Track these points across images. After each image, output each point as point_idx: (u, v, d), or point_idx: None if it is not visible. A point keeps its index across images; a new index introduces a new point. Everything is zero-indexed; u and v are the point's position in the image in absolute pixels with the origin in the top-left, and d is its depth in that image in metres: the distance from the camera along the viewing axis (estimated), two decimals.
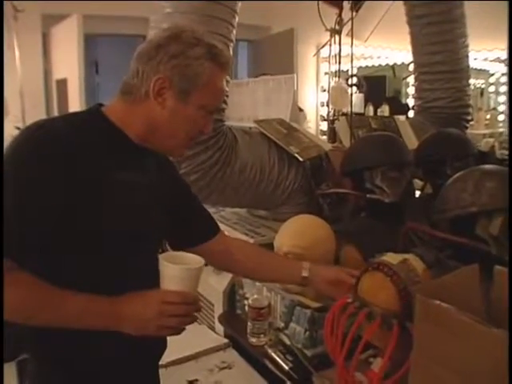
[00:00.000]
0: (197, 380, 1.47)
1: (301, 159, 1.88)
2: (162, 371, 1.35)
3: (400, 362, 1.03)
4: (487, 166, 1.42)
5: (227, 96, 1.78)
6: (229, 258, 1.20)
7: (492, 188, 1.32)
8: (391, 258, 1.12)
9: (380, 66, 5.38)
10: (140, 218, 0.97)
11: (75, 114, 1.02)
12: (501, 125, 5.13)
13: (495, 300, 1.05)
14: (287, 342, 1.40)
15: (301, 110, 2.96)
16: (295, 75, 2.59)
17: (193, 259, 0.93)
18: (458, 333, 0.82)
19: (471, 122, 4.42)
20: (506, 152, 3.13)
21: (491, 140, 4.36)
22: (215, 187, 1.72)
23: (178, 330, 0.92)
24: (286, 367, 1.32)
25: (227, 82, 1.74)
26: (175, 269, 0.88)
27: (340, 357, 1.11)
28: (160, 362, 1.47)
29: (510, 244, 1.25)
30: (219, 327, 1.70)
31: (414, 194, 1.95)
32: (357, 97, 5.01)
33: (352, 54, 3.03)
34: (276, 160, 1.87)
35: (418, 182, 2.27)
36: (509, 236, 1.26)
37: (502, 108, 5.24)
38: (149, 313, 0.88)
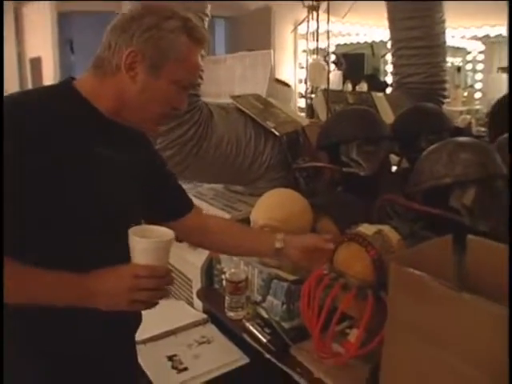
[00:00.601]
0: (176, 355, 1.47)
1: (277, 134, 1.86)
2: (140, 347, 1.35)
3: (376, 331, 1.04)
4: (461, 138, 1.43)
5: (202, 71, 1.74)
6: (204, 234, 1.19)
7: (466, 159, 1.32)
8: (366, 229, 1.12)
9: (358, 43, 5.35)
10: (113, 195, 0.94)
11: (47, 87, 0.98)
12: (477, 102, 5.17)
13: (467, 269, 1.06)
14: (265, 315, 1.40)
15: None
16: (272, 51, 2.56)
17: (163, 232, 0.91)
18: (430, 299, 0.83)
19: (448, 99, 4.43)
20: (483, 129, 3.15)
21: (468, 117, 4.39)
22: (191, 162, 1.70)
23: (150, 305, 0.89)
24: (264, 340, 1.32)
25: (202, 57, 1.70)
26: (144, 242, 0.85)
27: (316, 328, 1.11)
28: (138, 339, 1.47)
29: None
30: (198, 303, 1.70)
31: (390, 168, 1.95)
32: (335, 74, 4.98)
33: (328, 31, 3.01)
34: (252, 135, 1.85)
35: (394, 158, 2.27)
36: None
37: (479, 86, 5.27)
38: (119, 287, 0.86)
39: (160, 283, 0.87)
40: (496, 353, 0.73)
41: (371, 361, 1.07)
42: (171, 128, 1.62)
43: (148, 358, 1.42)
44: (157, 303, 0.90)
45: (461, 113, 4.74)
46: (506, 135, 1.67)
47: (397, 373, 0.94)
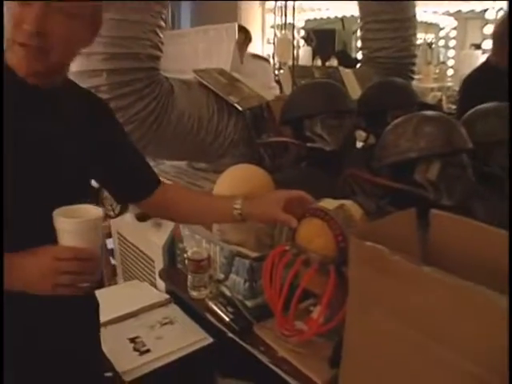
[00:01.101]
0: (138, 337, 1.45)
1: (240, 109, 1.83)
2: (101, 330, 1.31)
3: (340, 308, 1.04)
4: (427, 112, 1.42)
5: (162, 43, 1.69)
6: (165, 205, 1.17)
7: (430, 133, 1.32)
8: (328, 203, 1.11)
9: (329, 18, 5.31)
10: (49, 171, 0.89)
11: None
12: (449, 79, 5.19)
13: (431, 244, 1.06)
14: (228, 293, 1.38)
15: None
16: (236, 24, 2.50)
17: (90, 211, 0.86)
18: (391, 274, 0.82)
19: (419, 76, 4.45)
20: (454, 106, 3.18)
21: (439, 94, 4.42)
22: (151, 138, 1.65)
23: (76, 289, 0.83)
24: (227, 319, 1.30)
25: (161, 27, 1.65)
26: (66, 222, 0.81)
27: (278, 305, 1.10)
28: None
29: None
30: (160, 283, 1.67)
31: (355, 143, 1.95)
32: (305, 50, 4.95)
33: (294, 6, 2.96)
34: (215, 110, 1.81)
35: (361, 134, 2.27)
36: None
37: (451, 62, 5.29)
38: (41, 270, 0.81)
39: (84, 266, 0.82)
40: (461, 327, 0.73)
41: (335, 338, 1.07)
42: (130, 103, 1.57)
43: (109, 341, 1.39)
44: (87, 288, 0.85)
45: (432, 90, 4.77)
46: (474, 109, 1.68)
47: (359, 349, 0.93)
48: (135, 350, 1.40)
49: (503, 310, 0.66)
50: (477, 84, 2.15)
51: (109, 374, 1.31)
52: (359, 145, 2.16)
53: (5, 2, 0.82)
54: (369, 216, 1.18)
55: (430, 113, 1.41)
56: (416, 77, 3.67)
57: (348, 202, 1.13)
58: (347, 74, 2.69)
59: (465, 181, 1.36)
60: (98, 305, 1.11)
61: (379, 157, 1.40)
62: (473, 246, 0.98)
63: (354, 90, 2.50)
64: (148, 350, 1.39)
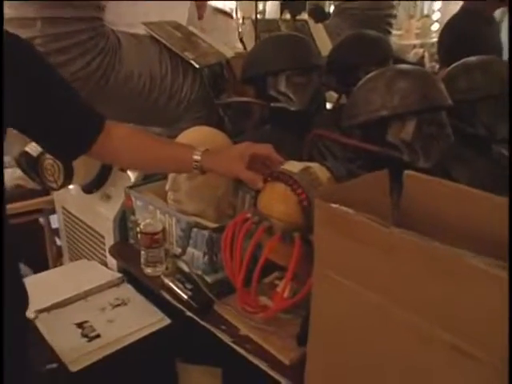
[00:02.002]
0: (86, 321, 1.43)
1: (197, 66, 1.80)
2: (43, 316, 1.30)
3: (307, 279, 1.04)
4: (401, 65, 1.43)
5: None
6: (115, 152, 1.16)
7: (405, 88, 1.32)
8: (292, 166, 1.11)
9: None
10: None
11: None
12: (434, 35, 5.10)
13: (404, 208, 1.07)
14: (186, 269, 1.38)
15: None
16: None
17: None
18: (358, 236, 0.82)
19: (400, 31, 4.44)
20: (437, 65, 3.19)
21: (421, 50, 4.40)
22: (98, 98, 1.60)
23: None
24: (185, 296, 1.30)
25: None
26: None
27: (239, 279, 1.10)
28: (42, 306, 1.43)
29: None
30: (111, 261, 1.66)
31: (325, 103, 1.95)
32: (272, 4, 4.88)
33: None
34: (169, 67, 1.78)
35: (333, 95, 2.27)
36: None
37: (437, 16, 5.19)
38: None
39: None
40: (433, 294, 0.74)
41: (304, 313, 1.08)
42: (72, 58, 1.52)
43: (52, 328, 1.38)
44: None
45: (414, 46, 4.74)
46: (456, 64, 1.70)
47: (326, 322, 0.95)
48: (83, 335, 1.38)
49: (477, 270, 0.67)
50: (456, 33, 2.17)
51: (52, 366, 1.29)
52: (330, 107, 2.17)
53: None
54: (338, 181, 1.19)
55: (404, 66, 1.42)
56: (396, 32, 3.66)
57: (314, 165, 1.14)
58: (317, 27, 2.67)
59: (443, 141, 1.37)
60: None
61: (349, 116, 1.40)
62: (449, 209, 1.00)
63: (325, 46, 2.49)
64: (98, 336, 1.38)
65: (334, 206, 0.84)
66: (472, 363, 0.71)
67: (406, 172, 1.06)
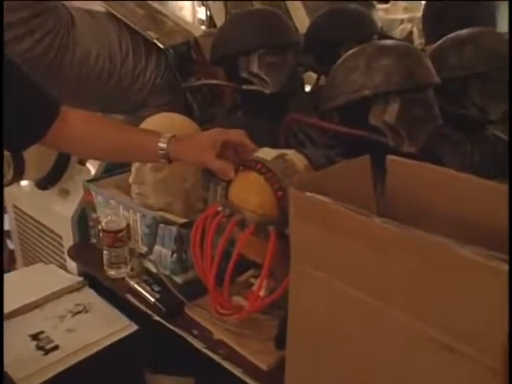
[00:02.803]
0: (42, 332, 1.41)
1: (162, 47, 1.79)
2: None
3: (284, 276, 1.04)
4: (383, 41, 1.43)
5: None
6: (72, 139, 1.15)
7: (387, 66, 1.32)
8: (265, 153, 1.10)
9: None
10: None
11: None
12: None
13: (388, 195, 1.08)
14: (153, 269, 1.38)
15: None
16: None
17: None
18: (338, 229, 0.82)
19: (386, 5, 4.44)
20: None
21: (409, 26, 4.40)
22: (52, 82, 1.57)
23: None
24: (153, 299, 1.30)
25: None
26: None
27: (210, 278, 1.10)
28: None
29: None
30: (71, 264, 1.65)
31: (303, 85, 1.95)
32: None
33: None
34: (130, 48, 1.76)
35: (312, 76, 2.27)
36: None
37: None
38: None
39: None
40: (421, 290, 0.74)
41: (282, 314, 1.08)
42: (17, 37, 1.49)
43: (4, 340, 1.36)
44: None
45: (401, 22, 4.75)
46: (445, 38, 1.70)
47: (305, 322, 0.95)
48: (38, 348, 1.35)
49: (472, 263, 0.67)
50: (441, 3, 2.18)
51: None
52: (309, 89, 2.17)
53: None
54: (317, 169, 1.19)
55: (387, 42, 1.42)
56: (382, 6, 3.65)
57: (290, 152, 1.14)
58: (295, 4, 2.67)
59: (430, 123, 1.38)
60: None
61: (327, 98, 1.40)
62: (437, 196, 1.00)
63: (304, 24, 2.48)
64: (56, 347, 1.36)
65: (309, 194, 0.84)
66: (466, 364, 0.71)
67: (389, 157, 1.06)
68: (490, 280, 0.65)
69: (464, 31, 1.65)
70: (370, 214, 0.80)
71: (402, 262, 0.76)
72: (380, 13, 4.20)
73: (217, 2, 2.65)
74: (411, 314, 0.76)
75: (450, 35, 1.66)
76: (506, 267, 0.63)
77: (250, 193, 1.08)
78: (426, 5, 2.35)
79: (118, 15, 1.82)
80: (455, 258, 0.69)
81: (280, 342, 1.07)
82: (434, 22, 2.24)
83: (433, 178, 1.02)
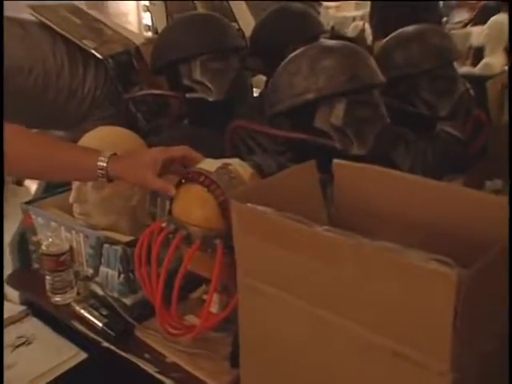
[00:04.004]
0: None
1: (100, 57, 1.79)
2: None
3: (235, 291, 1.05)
4: (325, 41, 1.46)
5: None
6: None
7: (330, 67, 1.35)
8: (208, 164, 1.11)
9: None
10: None
11: None
12: None
13: (337, 200, 1.10)
14: (100, 292, 1.37)
15: None
16: None
17: None
18: (280, 240, 0.83)
19: (337, 3, 4.50)
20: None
21: (361, 23, 4.46)
22: None
23: None
24: (100, 324, 1.29)
25: None
26: None
27: (157, 297, 1.10)
28: None
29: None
30: (11, 292, 1.61)
31: (251, 90, 1.97)
32: None
33: None
34: (65, 60, 1.76)
35: (262, 79, 2.29)
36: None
37: None
38: None
39: None
40: (369, 298, 0.75)
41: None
42: None
43: None
44: None
45: (353, 19, 4.81)
46: (391, 36, 1.74)
47: (256, 338, 0.96)
48: None
49: (411, 267, 0.69)
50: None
51: None
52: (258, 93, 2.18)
53: None
54: (265, 177, 1.20)
55: (329, 42, 1.45)
56: (333, 4, 3.70)
57: (234, 161, 1.14)
58: (239, 5, 2.69)
59: (378, 123, 1.41)
60: None
61: (271, 103, 1.41)
62: (385, 198, 1.02)
63: (250, 26, 2.51)
64: None
65: (250, 206, 0.85)
66: (416, 369, 0.73)
67: (335, 161, 1.08)
68: (434, 284, 0.67)
69: (409, 28, 1.70)
70: (311, 223, 0.81)
71: (347, 271, 0.77)
72: (331, 10, 4.28)
73: (157, 3, 2.65)
74: (360, 322, 0.78)
75: (395, 33, 1.71)
76: (449, 270, 0.65)
77: (193, 206, 1.08)
78: (371, 3, 2.40)
79: (51, 24, 1.81)
80: (400, 264, 0.71)
81: (234, 359, 1.07)
82: (380, 20, 2.29)
83: (380, 180, 1.04)
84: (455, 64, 1.76)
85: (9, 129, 1.17)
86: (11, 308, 1.57)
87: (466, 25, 3.39)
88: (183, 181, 1.11)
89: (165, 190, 1.13)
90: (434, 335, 0.69)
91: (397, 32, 1.73)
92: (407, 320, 0.72)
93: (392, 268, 0.72)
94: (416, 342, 0.72)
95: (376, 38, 2.27)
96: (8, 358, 1.37)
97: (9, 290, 1.61)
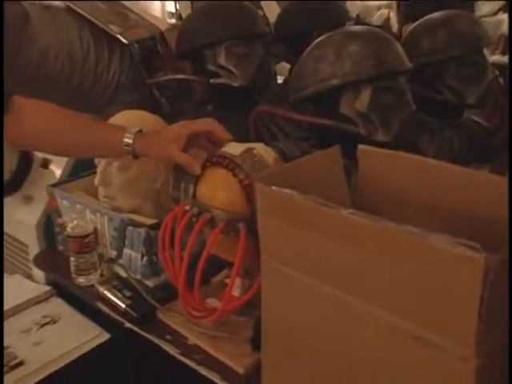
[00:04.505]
0: (6, 347, 1.37)
1: (126, 42, 1.79)
2: None
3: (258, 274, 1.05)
4: (352, 27, 1.45)
5: None
6: (30, 135, 1.18)
7: (357, 53, 1.34)
8: (233, 148, 1.11)
9: None
10: None
11: None
12: None
13: (361, 187, 1.09)
14: (123, 274, 1.38)
15: None
16: None
17: None
18: (306, 223, 0.83)
19: None
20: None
21: (386, 11, 4.42)
22: (6, 83, 1.58)
23: None
24: (123, 305, 1.30)
25: None
26: None
27: (180, 279, 1.11)
28: None
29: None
30: (38, 273, 1.63)
31: (275, 77, 1.96)
32: None
33: None
34: (91, 44, 1.76)
35: (286, 66, 2.29)
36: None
37: None
38: None
39: None
40: (392, 282, 0.75)
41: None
42: None
43: None
44: None
45: (379, 8, 4.76)
46: (418, 22, 1.72)
47: (279, 321, 0.96)
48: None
49: (437, 250, 0.68)
50: None
51: None
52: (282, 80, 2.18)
53: None
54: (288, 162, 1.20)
55: (355, 28, 1.44)
56: None
57: (258, 145, 1.14)
58: None
59: (403, 110, 1.40)
60: None
61: (296, 88, 1.41)
62: (411, 185, 1.02)
63: (274, 13, 2.50)
64: (21, 363, 1.32)
65: (275, 189, 0.85)
66: (439, 354, 0.73)
67: (361, 146, 1.07)
68: (460, 268, 0.67)
69: (436, 14, 1.67)
70: (337, 206, 0.80)
71: (372, 254, 0.77)
72: None
73: None
74: (383, 307, 0.78)
75: (422, 19, 1.68)
76: (477, 255, 0.64)
77: (218, 190, 1.09)
78: None
79: (79, 10, 1.82)
80: (425, 248, 0.71)
81: (255, 343, 1.08)
82: (407, 8, 2.27)
83: (405, 166, 1.03)
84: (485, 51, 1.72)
85: (40, 106, 1.18)
86: (37, 288, 1.60)
87: (497, 12, 3.33)
88: (208, 164, 1.11)
89: (189, 164, 1.13)
90: (459, 320, 0.69)
91: (424, 18, 1.70)
92: (431, 304, 0.72)
93: (418, 252, 0.71)
94: (440, 326, 0.72)
95: (402, 26, 2.25)
96: (35, 335, 1.41)
97: (35, 271, 1.63)
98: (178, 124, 1.20)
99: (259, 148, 1.13)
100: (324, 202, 0.81)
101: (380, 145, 1.14)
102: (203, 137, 1.17)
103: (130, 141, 1.14)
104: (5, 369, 1.31)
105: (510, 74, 1.57)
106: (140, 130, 1.16)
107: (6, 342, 1.38)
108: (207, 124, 1.17)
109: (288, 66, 2.24)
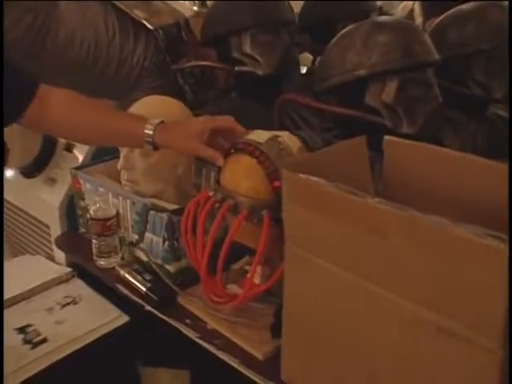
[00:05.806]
0: (30, 325, 1.41)
1: (151, 27, 1.79)
2: None
3: (280, 262, 1.06)
4: (379, 17, 1.44)
5: None
6: (53, 123, 1.18)
7: (384, 43, 1.33)
8: (258, 135, 1.11)
9: None
10: None
11: None
12: None
13: (386, 177, 1.09)
14: (144, 258, 1.39)
15: None
16: None
17: None
18: (332, 211, 0.83)
19: None
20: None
21: (410, 3, 4.37)
22: (32, 67, 1.58)
23: None
24: (144, 289, 1.31)
25: None
26: None
27: (202, 265, 1.11)
28: None
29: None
30: (59, 254, 1.65)
31: (298, 66, 1.95)
32: None
33: None
34: (117, 30, 1.76)
35: (308, 57, 2.27)
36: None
37: None
38: None
39: None
40: (417, 272, 0.75)
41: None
42: None
43: None
44: None
45: None
46: (447, 13, 1.69)
47: (301, 308, 0.96)
48: (26, 342, 1.35)
49: (470, 243, 0.68)
50: None
51: None
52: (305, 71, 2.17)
53: None
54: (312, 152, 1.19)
55: (383, 18, 1.43)
56: None
57: (283, 133, 1.14)
58: None
59: (429, 103, 1.39)
60: None
61: (321, 78, 1.40)
62: (437, 177, 1.01)
63: (298, 2, 2.48)
64: (44, 340, 1.36)
65: (302, 176, 0.85)
66: (465, 346, 0.73)
67: (387, 138, 1.07)
68: (488, 259, 0.66)
69: (467, 5, 1.64)
70: (364, 195, 0.81)
71: (398, 244, 0.77)
72: None
73: None
74: (408, 296, 0.78)
75: (451, 10, 1.66)
76: (504, 246, 0.64)
77: (242, 176, 1.08)
78: None
79: None
80: (452, 238, 0.70)
81: (276, 330, 1.08)
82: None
83: (431, 158, 1.03)
84: None
85: (64, 95, 1.19)
86: (58, 269, 1.62)
87: None
88: (232, 151, 1.11)
89: (214, 158, 1.14)
90: (485, 311, 0.69)
91: (454, 9, 1.67)
92: (457, 295, 0.72)
93: (444, 242, 0.71)
94: (465, 317, 0.71)
95: (427, 18, 2.22)
96: (57, 314, 1.45)
97: (56, 252, 1.65)
98: (201, 118, 1.21)
99: (285, 136, 1.13)
100: (352, 190, 0.81)
101: (404, 137, 1.14)
102: (223, 134, 1.18)
103: (151, 132, 1.15)
104: (28, 346, 1.34)
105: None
106: (162, 122, 1.17)
107: (28, 320, 1.42)
108: (229, 122, 1.18)
109: (310, 56, 2.22)
